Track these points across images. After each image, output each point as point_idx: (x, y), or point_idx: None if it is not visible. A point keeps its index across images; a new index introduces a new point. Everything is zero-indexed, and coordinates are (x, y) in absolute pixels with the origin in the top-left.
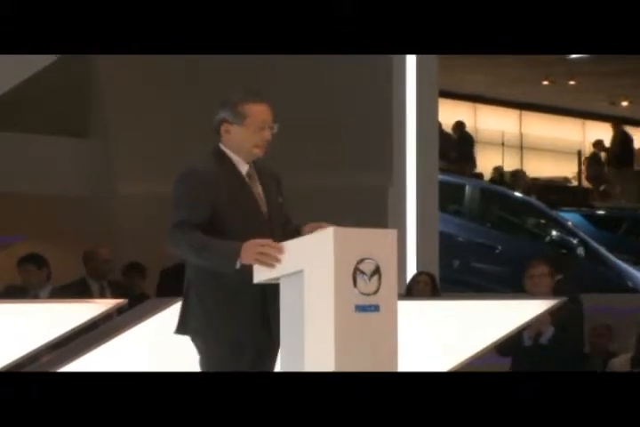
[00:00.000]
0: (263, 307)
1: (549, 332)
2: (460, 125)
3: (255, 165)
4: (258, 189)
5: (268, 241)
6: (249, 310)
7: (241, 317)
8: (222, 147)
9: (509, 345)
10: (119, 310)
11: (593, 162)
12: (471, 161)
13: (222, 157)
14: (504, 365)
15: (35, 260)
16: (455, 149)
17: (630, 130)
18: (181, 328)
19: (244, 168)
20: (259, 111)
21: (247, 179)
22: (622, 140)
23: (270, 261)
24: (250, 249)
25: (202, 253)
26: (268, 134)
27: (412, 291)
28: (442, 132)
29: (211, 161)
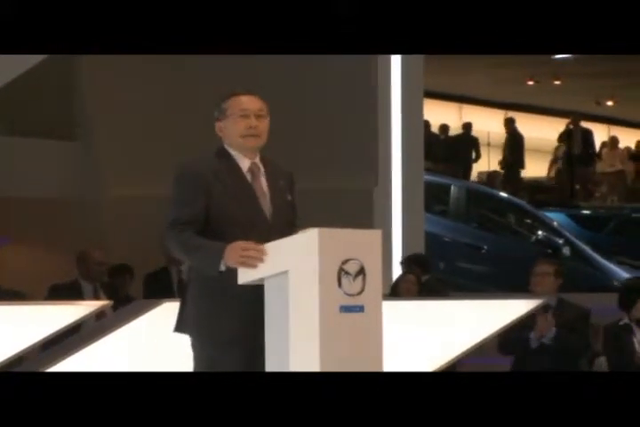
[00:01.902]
0: (256, 307)
1: (552, 333)
2: (466, 127)
3: (263, 161)
4: (261, 185)
5: (251, 244)
6: (242, 310)
7: (234, 317)
8: (225, 145)
9: (514, 345)
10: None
11: (579, 161)
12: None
13: (224, 155)
14: (499, 365)
15: None
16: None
17: (615, 129)
18: (178, 327)
19: (245, 164)
20: (237, 101)
21: (249, 175)
22: (584, 138)
23: (253, 262)
24: (233, 252)
25: (190, 253)
26: (252, 122)
27: (398, 290)
28: (430, 134)
29: (212, 158)
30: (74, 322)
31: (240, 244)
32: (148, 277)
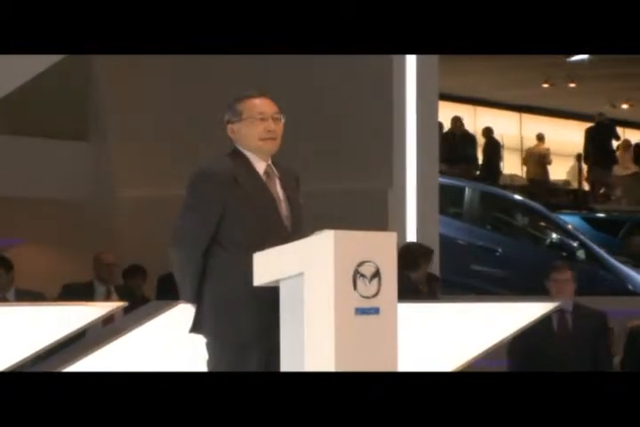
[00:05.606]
0: (273, 309)
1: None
2: (488, 131)
3: (276, 163)
4: (277, 188)
5: None
6: (259, 311)
7: (251, 319)
8: (238, 147)
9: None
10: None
11: (594, 164)
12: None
13: (239, 156)
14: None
15: (3, 263)
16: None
17: (631, 132)
18: (195, 328)
19: (261, 166)
20: (253, 104)
21: (264, 177)
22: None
23: None
24: None
25: (177, 276)
26: (270, 125)
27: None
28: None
29: (227, 160)
30: (89, 323)
31: None
32: (162, 278)
